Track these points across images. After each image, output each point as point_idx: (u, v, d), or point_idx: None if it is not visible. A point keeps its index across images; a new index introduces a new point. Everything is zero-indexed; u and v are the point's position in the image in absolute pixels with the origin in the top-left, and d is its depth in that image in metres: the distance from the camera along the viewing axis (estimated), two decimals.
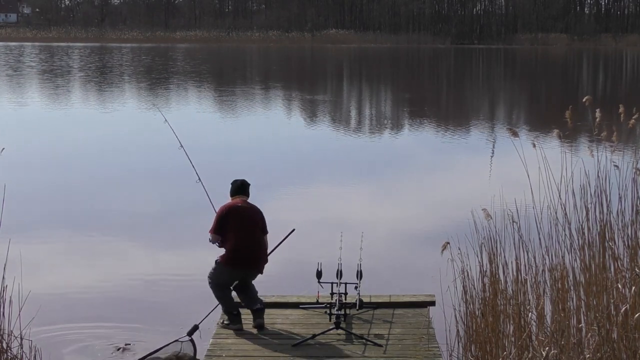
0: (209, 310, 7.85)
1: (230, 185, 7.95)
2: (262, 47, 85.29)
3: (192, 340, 7.44)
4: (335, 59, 69.53)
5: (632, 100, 27.42)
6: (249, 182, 7.97)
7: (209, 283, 7.79)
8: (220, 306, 7.84)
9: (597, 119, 6.93)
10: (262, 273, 7.81)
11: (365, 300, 8.01)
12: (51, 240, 11.93)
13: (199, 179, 8.32)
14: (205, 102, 33.05)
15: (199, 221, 8.42)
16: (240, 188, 7.92)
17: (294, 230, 8.15)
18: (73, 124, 25.65)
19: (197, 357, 7.31)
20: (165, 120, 9.02)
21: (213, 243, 7.80)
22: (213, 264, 7.77)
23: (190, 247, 11.07)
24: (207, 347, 7.27)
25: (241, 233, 7.65)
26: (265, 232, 7.82)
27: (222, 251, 7.74)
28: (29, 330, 6.66)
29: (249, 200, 7.90)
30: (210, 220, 7.92)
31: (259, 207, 7.95)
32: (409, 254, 11.41)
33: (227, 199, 7.85)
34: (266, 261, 7.83)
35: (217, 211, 7.78)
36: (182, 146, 8.59)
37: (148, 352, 7.38)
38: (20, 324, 6.54)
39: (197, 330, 7.54)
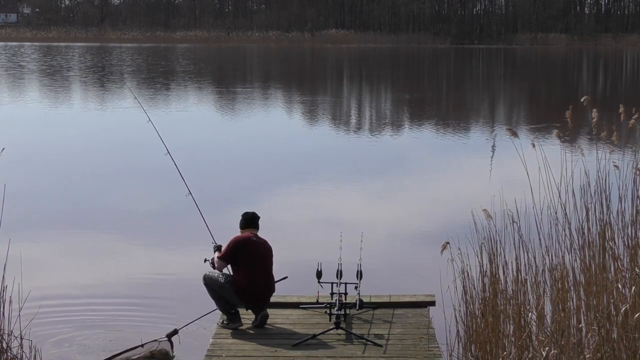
0: (207, 311, 7.89)
1: (240, 217, 7.94)
2: (262, 47, 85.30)
3: (170, 342, 7.48)
4: (335, 59, 69.53)
5: (632, 100, 27.42)
6: (259, 215, 7.98)
7: (206, 285, 7.81)
8: (206, 310, 7.90)
9: (597, 119, 6.94)
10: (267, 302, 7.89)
11: (365, 300, 8.01)
12: (51, 240, 11.93)
13: (189, 192, 8.37)
14: (204, 102, 33.06)
15: (201, 220, 8.43)
16: (251, 221, 7.90)
17: (286, 277, 8.15)
18: (60, 123, 25.67)
19: (197, 356, 7.33)
20: (149, 120, 9.04)
21: (216, 268, 7.80)
22: (217, 272, 7.78)
23: (190, 246, 11.08)
24: (207, 347, 7.29)
25: (256, 270, 7.68)
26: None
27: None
28: (29, 330, 6.66)
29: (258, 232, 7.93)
30: (201, 227, 7.95)
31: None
32: (409, 254, 11.41)
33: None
34: (274, 291, 7.92)
35: (231, 240, 7.77)
36: (168, 152, 8.63)
37: (126, 349, 7.40)
38: (20, 324, 6.53)
39: (177, 335, 7.59)
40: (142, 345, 7.39)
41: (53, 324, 8.50)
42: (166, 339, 7.51)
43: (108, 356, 7.34)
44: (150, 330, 8.38)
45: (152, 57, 65.18)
